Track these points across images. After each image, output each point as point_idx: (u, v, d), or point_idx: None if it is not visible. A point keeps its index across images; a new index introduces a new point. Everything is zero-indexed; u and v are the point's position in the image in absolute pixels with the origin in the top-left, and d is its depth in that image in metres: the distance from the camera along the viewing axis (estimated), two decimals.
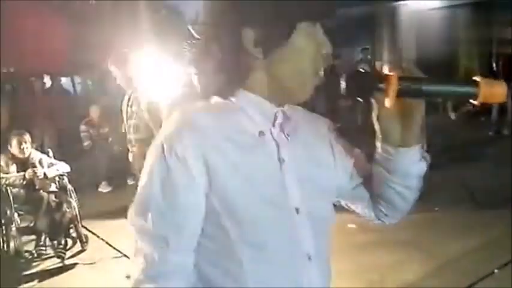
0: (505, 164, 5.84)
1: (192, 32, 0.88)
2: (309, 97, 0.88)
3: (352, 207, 1.05)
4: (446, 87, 0.87)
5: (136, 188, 0.85)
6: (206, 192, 0.80)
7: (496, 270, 3.13)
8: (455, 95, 0.90)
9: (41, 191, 4.03)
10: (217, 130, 0.82)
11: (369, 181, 0.99)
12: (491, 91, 0.83)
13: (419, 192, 0.99)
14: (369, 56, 9.35)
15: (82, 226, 4.17)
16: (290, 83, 0.85)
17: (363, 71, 0.90)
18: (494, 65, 8.63)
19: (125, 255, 3.73)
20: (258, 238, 0.83)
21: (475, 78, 0.84)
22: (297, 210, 0.86)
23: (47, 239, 3.93)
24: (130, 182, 5.84)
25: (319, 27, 0.85)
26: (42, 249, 3.88)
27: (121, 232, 4.12)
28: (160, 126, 0.88)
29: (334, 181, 0.96)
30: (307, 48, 0.83)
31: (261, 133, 0.85)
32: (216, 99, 0.87)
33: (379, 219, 1.03)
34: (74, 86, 9.94)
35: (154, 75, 3.25)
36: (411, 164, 0.92)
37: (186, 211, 0.81)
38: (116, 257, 3.80)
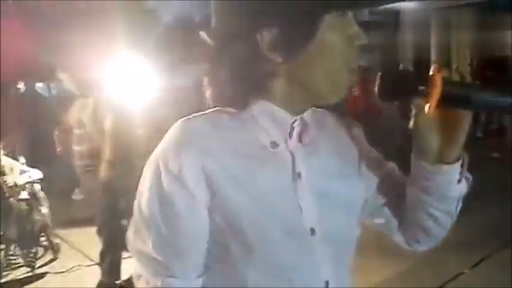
0: (476, 165, 5.93)
1: (204, 37, 0.79)
2: (344, 97, 0.77)
3: (379, 227, 0.92)
4: (501, 99, 0.72)
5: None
6: (209, 210, 0.72)
7: (466, 271, 3.18)
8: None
9: (11, 199, 3.93)
10: (220, 143, 0.73)
11: (402, 202, 0.85)
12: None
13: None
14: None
15: (54, 234, 4.09)
16: (321, 85, 0.74)
17: (402, 69, 0.79)
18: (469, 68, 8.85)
19: (98, 264, 3.67)
20: (267, 263, 0.73)
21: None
22: (313, 231, 0.75)
23: (17, 248, 3.84)
24: (77, 196, 5.72)
25: (351, 16, 0.74)
26: (11, 259, 3.79)
27: (94, 240, 4.07)
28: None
29: (358, 196, 0.84)
30: (338, 43, 0.72)
31: (274, 144, 0.75)
32: (223, 110, 0.77)
33: (409, 245, 0.91)
34: (49, 91, 9.78)
35: (110, 81, 3.11)
36: (451, 184, 0.78)
37: (188, 233, 0.72)
38: (89, 266, 3.74)
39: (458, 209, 0.83)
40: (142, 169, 0.77)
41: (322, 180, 0.78)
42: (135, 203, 0.76)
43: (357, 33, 0.74)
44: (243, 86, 0.75)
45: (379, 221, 0.91)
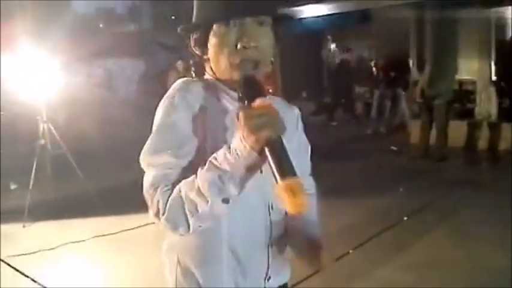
0: (375, 157, 6.50)
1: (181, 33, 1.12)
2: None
3: None
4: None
5: None
6: (201, 134, 1.02)
7: (350, 251, 3.56)
8: (271, 166, 0.87)
9: None
10: (203, 93, 1.06)
11: None
12: (289, 194, 0.82)
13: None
14: None
15: None
16: (220, 74, 1.05)
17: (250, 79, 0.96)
18: (374, 69, 9.49)
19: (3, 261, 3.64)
20: None
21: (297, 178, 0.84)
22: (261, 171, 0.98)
23: None
24: (12, 186, 5.62)
25: (233, 24, 1.00)
26: None
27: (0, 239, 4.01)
28: None
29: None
30: (220, 44, 1.02)
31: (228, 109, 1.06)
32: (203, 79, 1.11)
33: None
34: None
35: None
36: None
37: (184, 136, 1.01)
38: None
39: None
40: None
41: None
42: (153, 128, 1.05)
43: (238, 37, 1.00)
44: (196, 67, 1.11)
45: None
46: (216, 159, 0.94)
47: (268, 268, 1.14)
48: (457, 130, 6.57)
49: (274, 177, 0.85)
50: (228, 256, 1.08)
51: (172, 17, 15.48)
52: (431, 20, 7.24)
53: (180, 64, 8.30)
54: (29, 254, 3.74)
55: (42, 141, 4.88)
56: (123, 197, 4.92)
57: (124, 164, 6.20)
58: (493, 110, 6.69)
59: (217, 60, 1.03)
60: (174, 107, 1.03)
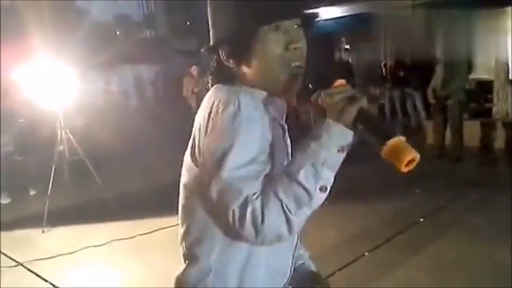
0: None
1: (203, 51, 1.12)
2: (295, 88, 1.03)
3: None
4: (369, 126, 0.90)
5: None
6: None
7: (366, 253, 3.55)
8: (369, 137, 0.90)
9: None
10: (256, 100, 1.02)
11: None
12: (395, 154, 0.84)
13: None
14: None
15: None
16: (264, 81, 1.03)
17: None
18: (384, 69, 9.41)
19: (22, 265, 3.71)
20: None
21: (398, 136, 0.85)
22: None
23: None
24: (32, 192, 5.74)
25: (284, 25, 0.99)
26: None
27: (20, 244, 4.10)
28: None
29: None
30: (268, 49, 1.00)
31: (274, 119, 1.08)
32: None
33: None
34: None
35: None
36: None
37: (263, 145, 0.98)
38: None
39: None
40: None
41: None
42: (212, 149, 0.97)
43: (289, 39, 1.00)
44: (228, 79, 1.07)
45: None
46: (298, 150, 0.96)
47: None
48: (474, 130, 6.48)
49: (375, 146, 0.87)
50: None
51: (187, 23, 15.64)
52: (443, 19, 7.17)
53: (194, 69, 8.38)
54: (48, 258, 3.83)
55: (61, 148, 4.98)
56: (140, 201, 5.01)
57: (140, 169, 6.41)
58: (511, 109, 6.59)
59: (266, 65, 1.02)
60: (250, 116, 0.97)
